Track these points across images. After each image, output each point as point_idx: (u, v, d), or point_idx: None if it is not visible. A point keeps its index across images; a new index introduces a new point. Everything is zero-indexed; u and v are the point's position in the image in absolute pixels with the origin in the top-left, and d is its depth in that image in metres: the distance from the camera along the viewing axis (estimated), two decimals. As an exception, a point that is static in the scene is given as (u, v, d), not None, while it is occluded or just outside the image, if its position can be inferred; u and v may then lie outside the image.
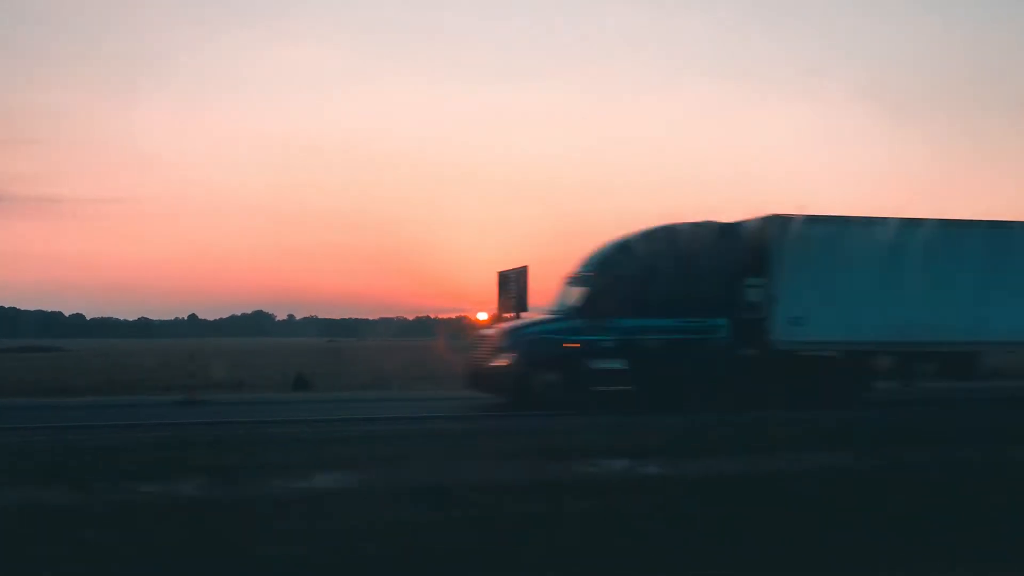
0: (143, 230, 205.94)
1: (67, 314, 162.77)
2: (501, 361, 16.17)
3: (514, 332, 16.89)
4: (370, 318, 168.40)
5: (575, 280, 17.05)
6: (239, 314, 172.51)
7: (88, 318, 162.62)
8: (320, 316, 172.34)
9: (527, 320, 17.71)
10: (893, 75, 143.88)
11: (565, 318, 16.51)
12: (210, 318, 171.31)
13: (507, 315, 18.65)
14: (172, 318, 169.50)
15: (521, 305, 18.38)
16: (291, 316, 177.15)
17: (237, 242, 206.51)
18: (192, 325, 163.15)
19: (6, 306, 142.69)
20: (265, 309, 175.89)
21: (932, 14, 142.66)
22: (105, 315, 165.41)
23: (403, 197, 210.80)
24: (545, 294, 18.21)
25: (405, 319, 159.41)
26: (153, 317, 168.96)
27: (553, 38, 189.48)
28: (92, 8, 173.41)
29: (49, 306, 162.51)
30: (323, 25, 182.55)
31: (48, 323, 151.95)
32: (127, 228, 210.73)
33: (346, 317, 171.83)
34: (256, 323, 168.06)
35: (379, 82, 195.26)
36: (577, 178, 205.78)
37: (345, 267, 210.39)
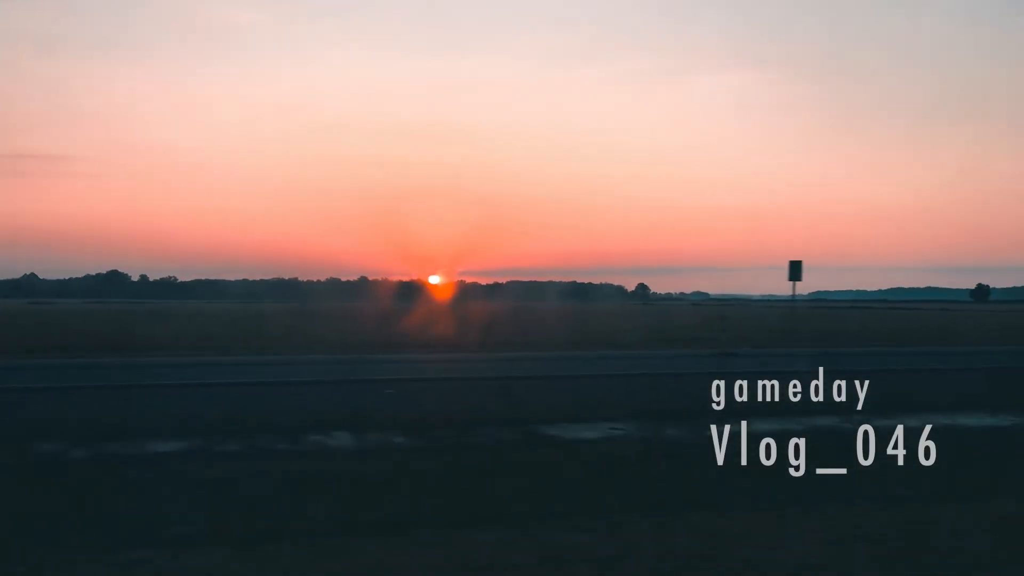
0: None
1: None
2: None
3: None
4: (248, 278, 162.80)
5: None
6: (93, 274, 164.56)
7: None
8: (180, 279, 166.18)
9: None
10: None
11: None
12: (52, 278, 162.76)
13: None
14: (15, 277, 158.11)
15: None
16: (144, 277, 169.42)
17: (106, 200, 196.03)
18: (32, 285, 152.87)
19: None
20: (121, 269, 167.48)
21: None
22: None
23: (327, 160, 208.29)
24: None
25: (342, 281, 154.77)
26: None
27: (497, 8, 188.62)
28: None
29: None
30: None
31: None
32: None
33: (223, 279, 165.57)
34: (107, 284, 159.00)
35: (310, 47, 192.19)
36: (520, 145, 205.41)
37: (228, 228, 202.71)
